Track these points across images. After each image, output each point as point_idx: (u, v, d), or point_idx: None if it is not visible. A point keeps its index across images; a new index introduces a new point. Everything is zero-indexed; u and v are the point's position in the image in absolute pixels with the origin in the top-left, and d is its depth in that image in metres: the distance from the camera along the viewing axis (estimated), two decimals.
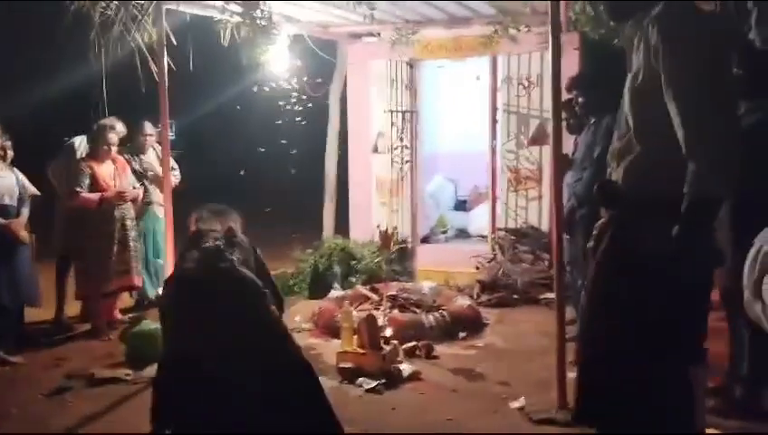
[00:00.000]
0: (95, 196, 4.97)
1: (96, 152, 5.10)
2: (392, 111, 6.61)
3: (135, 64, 4.59)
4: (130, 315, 5.32)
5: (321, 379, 3.02)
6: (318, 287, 5.93)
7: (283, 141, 6.64)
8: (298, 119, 6.34)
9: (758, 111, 3.00)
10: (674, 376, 2.17)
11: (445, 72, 7.59)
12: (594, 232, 2.39)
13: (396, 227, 6.56)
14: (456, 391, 3.86)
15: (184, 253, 2.88)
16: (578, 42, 5.74)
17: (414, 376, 4.01)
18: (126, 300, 5.69)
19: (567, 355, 3.32)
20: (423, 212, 7.04)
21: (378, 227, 6.44)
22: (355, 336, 4.11)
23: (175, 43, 4.63)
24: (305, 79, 6.11)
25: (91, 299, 5.10)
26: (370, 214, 6.77)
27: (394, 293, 5.31)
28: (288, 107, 6.28)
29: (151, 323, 4.46)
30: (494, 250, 6.24)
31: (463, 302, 5.21)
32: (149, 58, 4.57)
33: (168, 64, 4.46)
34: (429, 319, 4.76)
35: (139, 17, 4.72)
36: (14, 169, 4.76)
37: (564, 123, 4.03)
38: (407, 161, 6.74)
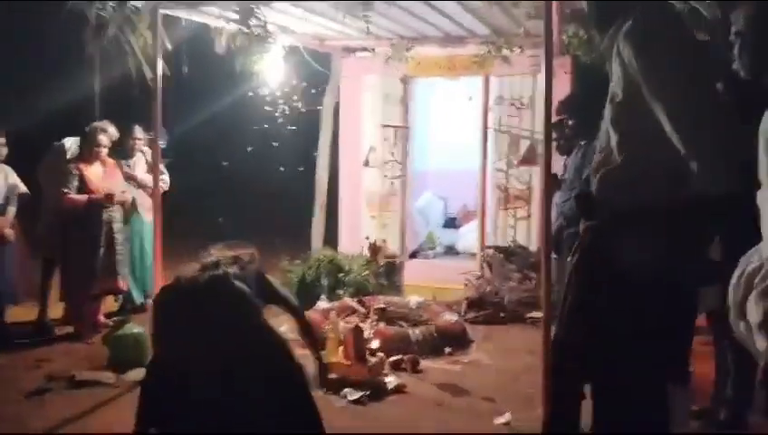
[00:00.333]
0: (83, 197, 4.95)
1: (85, 154, 5.08)
2: (384, 126, 6.65)
3: (139, 69, 4.60)
4: (114, 319, 5.27)
5: None
6: (305, 298, 5.90)
7: (275, 143, 6.64)
8: (291, 127, 6.36)
9: None
10: (649, 388, 2.17)
11: (437, 89, 7.65)
12: (575, 243, 2.41)
13: (384, 241, 6.57)
14: (441, 404, 3.85)
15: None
16: (570, 66, 5.83)
17: (399, 389, 4.00)
18: (110, 304, 5.64)
19: None
20: (412, 228, 7.06)
21: (367, 238, 6.46)
22: (341, 347, 4.11)
23: (169, 47, 4.64)
24: (303, 84, 6.14)
25: (76, 301, 5.05)
26: (360, 227, 6.78)
27: (382, 306, 5.31)
28: (281, 120, 6.31)
29: (135, 327, 4.43)
30: (482, 268, 6.26)
31: (450, 317, 5.20)
32: (143, 63, 4.58)
33: (163, 71, 4.47)
34: (416, 333, 4.76)
35: (136, 24, 4.74)
36: (6, 166, 4.73)
37: (554, 144, 4.08)
38: (397, 176, 6.77)
